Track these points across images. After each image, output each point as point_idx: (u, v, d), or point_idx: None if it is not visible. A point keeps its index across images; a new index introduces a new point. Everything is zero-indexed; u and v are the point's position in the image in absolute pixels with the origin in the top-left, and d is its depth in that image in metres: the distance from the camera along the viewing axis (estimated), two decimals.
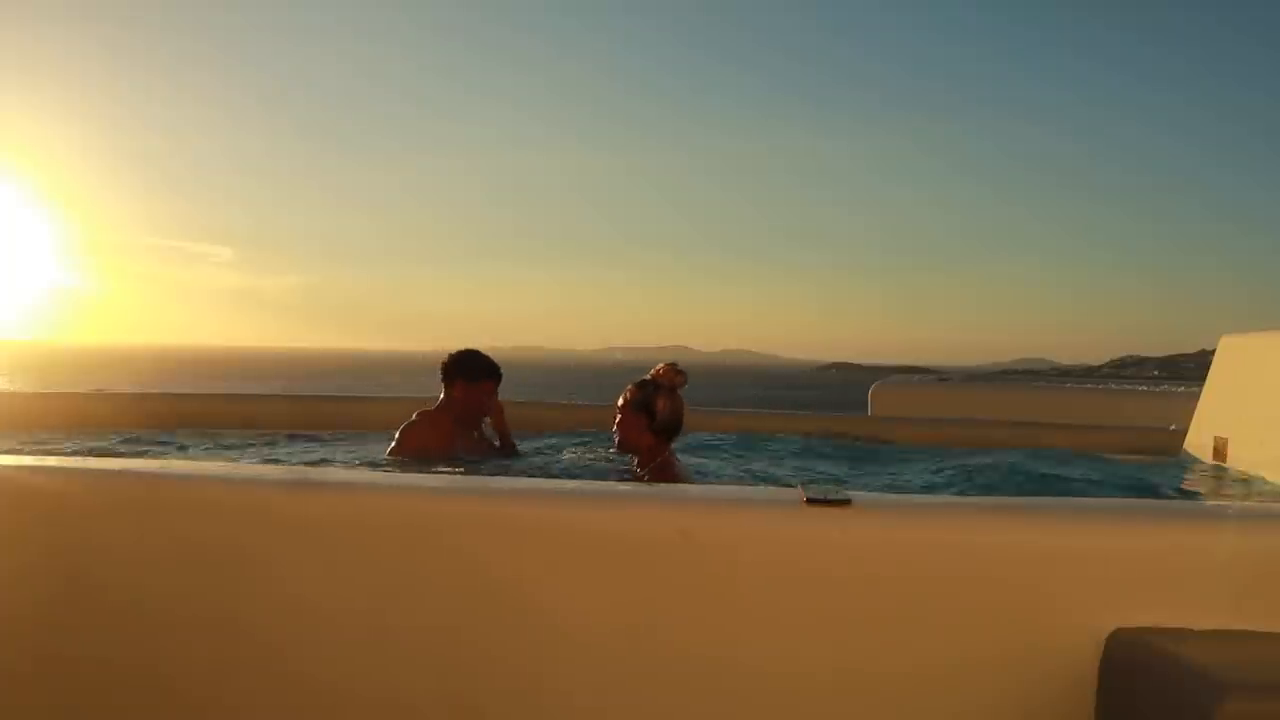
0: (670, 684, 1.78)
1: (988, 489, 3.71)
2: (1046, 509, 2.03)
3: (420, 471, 3.12)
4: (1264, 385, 3.82)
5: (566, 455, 4.04)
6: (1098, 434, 5.05)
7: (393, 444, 3.70)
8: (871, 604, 1.76)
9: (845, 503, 1.79)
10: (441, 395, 3.82)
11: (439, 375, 3.82)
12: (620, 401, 3.37)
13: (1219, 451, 4.10)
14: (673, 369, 3.44)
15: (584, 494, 2.08)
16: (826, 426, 5.11)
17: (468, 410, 3.79)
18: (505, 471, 3.65)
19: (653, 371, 3.47)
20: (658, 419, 3.31)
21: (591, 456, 3.95)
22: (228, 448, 4.17)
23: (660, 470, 3.27)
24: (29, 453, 2.61)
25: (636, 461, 3.37)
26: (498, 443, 3.95)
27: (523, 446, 4.08)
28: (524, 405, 4.75)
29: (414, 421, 3.75)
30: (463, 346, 3.83)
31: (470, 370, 3.78)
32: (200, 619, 1.86)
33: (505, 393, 3.91)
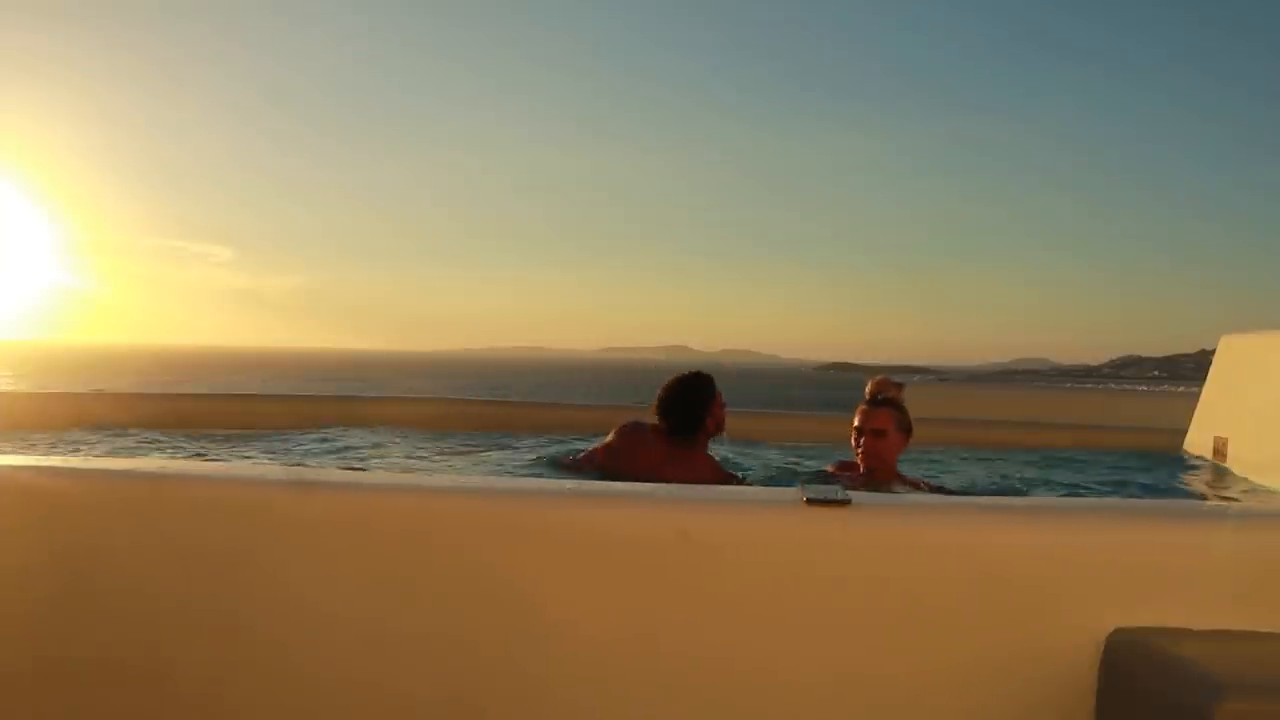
0: (670, 684, 1.78)
1: (989, 489, 3.71)
2: (1046, 509, 2.03)
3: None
4: (1264, 385, 3.82)
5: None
6: (1098, 434, 5.05)
7: (605, 440, 3.32)
8: (872, 604, 1.76)
9: (845, 503, 1.79)
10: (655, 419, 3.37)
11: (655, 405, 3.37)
12: (861, 423, 3.11)
13: (1219, 451, 4.10)
14: (891, 381, 3.23)
15: (584, 494, 2.08)
16: (826, 427, 5.10)
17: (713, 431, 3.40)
18: None
19: (873, 389, 3.22)
20: (911, 436, 3.17)
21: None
22: (224, 446, 4.16)
23: (915, 489, 3.09)
24: (28, 453, 2.61)
25: (890, 478, 3.11)
26: (741, 474, 3.49)
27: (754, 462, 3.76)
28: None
29: (631, 432, 3.33)
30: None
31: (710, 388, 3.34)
32: (201, 619, 1.86)
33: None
